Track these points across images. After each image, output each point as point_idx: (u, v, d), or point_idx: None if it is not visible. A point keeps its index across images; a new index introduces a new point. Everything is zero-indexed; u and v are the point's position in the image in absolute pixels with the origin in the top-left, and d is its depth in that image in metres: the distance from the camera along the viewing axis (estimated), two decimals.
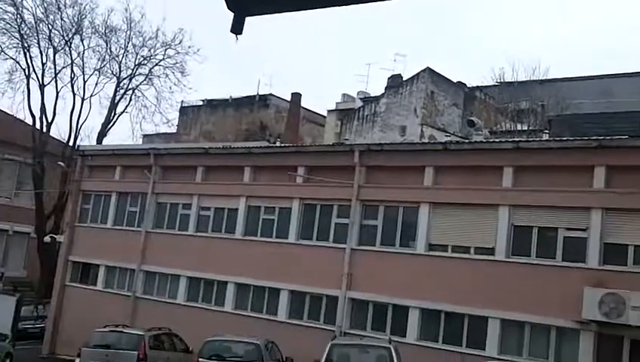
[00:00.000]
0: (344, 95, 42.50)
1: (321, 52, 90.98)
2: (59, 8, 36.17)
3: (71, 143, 35.92)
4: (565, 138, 18.93)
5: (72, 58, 36.89)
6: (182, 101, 45.11)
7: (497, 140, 21.53)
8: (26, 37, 35.64)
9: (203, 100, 45.95)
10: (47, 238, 32.33)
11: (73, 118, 36.52)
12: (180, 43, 38.20)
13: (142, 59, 38.45)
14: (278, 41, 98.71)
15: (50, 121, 36.01)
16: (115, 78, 38.30)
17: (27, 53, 35.79)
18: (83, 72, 37.22)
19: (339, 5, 4.31)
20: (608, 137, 17.00)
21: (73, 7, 36.69)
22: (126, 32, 37.92)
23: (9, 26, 35.52)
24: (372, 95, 38.14)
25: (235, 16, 4.17)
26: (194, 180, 24.37)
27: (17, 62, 36.07)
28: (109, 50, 37.97)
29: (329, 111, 40.57)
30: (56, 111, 36.13)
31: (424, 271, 18.75)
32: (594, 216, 16.47)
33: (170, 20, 79.40)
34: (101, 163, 27.69)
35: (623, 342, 15.66)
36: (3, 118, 37.37)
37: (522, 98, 30.90)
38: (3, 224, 36.91)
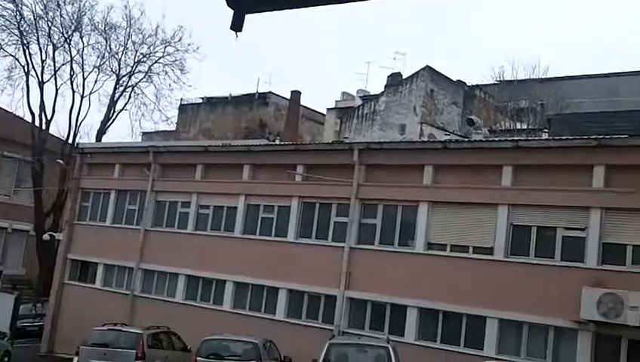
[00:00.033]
0: (344, 93, 42.54)
1: (320, 50, 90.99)
2: (58, 5, 36.20)
3: (70, 141, 35.95)
4: (565, 137, 18.89)
5: (71, 55, 36.95)
6: (181, 99, 45.22)
7: (497, 139, 21.53)
8: (25, 34, 35.66)
9: (202, 98, 45.96)
10: (46, 236, 32.30)
11: (72, 115, 36.59)
12: (179, 40, 38.26)
13: (141, 56, 38.52)
14: (278, 38, 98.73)
15: (49, 118, 36.08)
16: (114, 76, 38.38)
17: (26, 50, 35.85)
18: (82, 70, 37.29)
19: (338, 3, 4.28)
20: (608, 136, 16.95)
21: (73, 4, 36.76)
22: (125, 30, 38.00)
23: (8, 22, 35.58)
24: (372, 93, 38.18)
25: (234, 13, 4.15)
26: (193, 178, 24.34)
27: (17, 59, 36.14)
28: (108, 48, 38.04)
29: (328, 109, 40.61)
30: (56, 109, 36.24)
31: (423, 271, 18.73)
32: (593, 216, 16.44)
33: (170, 18, 79.37)
34: (100, 160, 27.66)
35: (621, 342, 15.63)
36: (2, 115, 37.31)
37: (522, 97, 30.89)
38: (2, 221, 36.93)
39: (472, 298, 17.53)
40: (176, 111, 45.11)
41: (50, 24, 36.04)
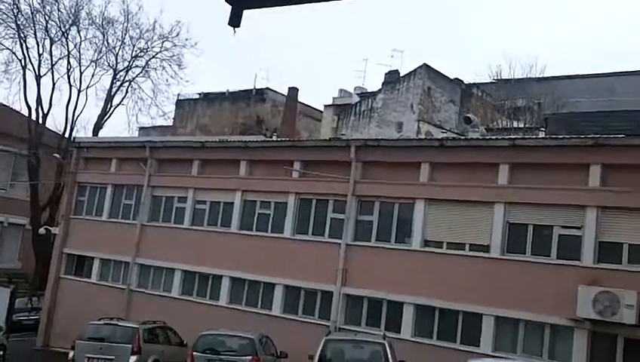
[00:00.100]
0: (341, 90, 42.52)
1: (318, 47, 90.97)
2: None
3: (67, 135, 35.92)
4: (561, 136, 18.95)
5: (68, 49, 36.85)
6: (178, 94, 45.16)
7: (493, 137, 21.58)
8: (22, 27, 35.53)
9: (200, 93, 45.92)
10: (42, 230, 32.28)
11: (69, 109, 36.52)
12: (177, 35, 38.20)
13: (139, 51, 38.44)
14: (276, 35, 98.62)
15: (46, 112, 36.01)
16: (111, 70, 38.28)
17: (23, 44, 35.71)
18: (79, 64, 37.22)
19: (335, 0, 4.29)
20: (604, 136, 17.02)
21: None
22: (123, 24, 37.92)
23: (5, 16, 35.46)
24: (369, 90, 38.17)
25: (232, 9, 4.17)
26: (190, 174, 24.34)
27: (13, 53, 36.04)
28: (105, 42, 37.94)
29: (326, 106, 40.57)
30: (52, 103, 36.13)
31: (419, 268, 18.77)
32: (589, 215, 16.50)
33: (168, 13, 79.18)
34: (97, 155, 27.62)
35: (617, 340, 15.70)
36: None
37: (519, 95, 30.91)
38: None
39: (468, 295, 17.59)
40: (174, 106, 45.04)
41: (47, 18, 35.98)
